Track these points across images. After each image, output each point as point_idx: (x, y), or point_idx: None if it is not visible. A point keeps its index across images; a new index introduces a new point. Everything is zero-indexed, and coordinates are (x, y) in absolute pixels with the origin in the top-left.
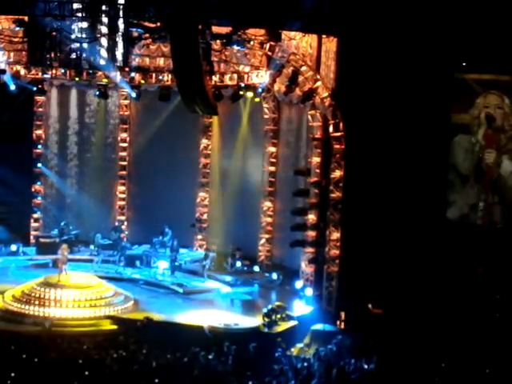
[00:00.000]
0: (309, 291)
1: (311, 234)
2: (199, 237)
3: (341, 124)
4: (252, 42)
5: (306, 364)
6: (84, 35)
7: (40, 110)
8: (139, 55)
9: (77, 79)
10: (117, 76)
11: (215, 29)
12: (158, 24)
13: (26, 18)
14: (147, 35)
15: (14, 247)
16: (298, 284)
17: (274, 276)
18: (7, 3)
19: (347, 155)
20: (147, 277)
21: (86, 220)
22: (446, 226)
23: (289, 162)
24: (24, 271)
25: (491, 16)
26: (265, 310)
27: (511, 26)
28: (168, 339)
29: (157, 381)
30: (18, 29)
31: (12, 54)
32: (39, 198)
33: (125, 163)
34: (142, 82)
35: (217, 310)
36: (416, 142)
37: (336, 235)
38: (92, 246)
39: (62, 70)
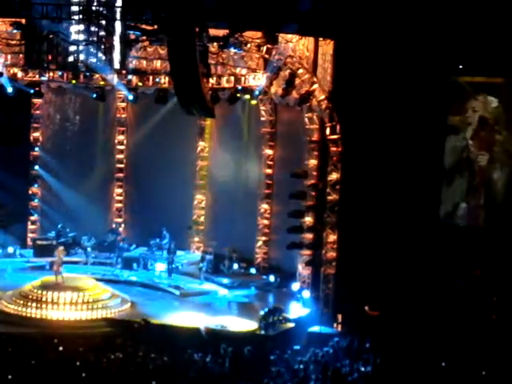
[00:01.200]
0: (306, 293)
1: (308, 236)
2: (196, 239)
3: (337, 126)
4: (249, 45)
5: (302, 366)
6: (81, 38)
7: (37, 112)
8: (136, 57)
9: (74, 82)
10: (114, 78)
11: (212, 31)
12: (155, 26)
13: (23, 21)
14: (144, 38)
15: (10, 249)
16: (295, 286)
17: (271, 278)
18: (4, 6)
19: (344, 158)
20: (144, 279)
21: (83, 222)
22: (443, 229)
23: (286, 165)
24: (21, 273)
25: (484, 20)
26: (262, 313)
27: (503, 30)
28: (165, 341)
29: (154, 383)
30: (15, 31)
31: (9, 57)
32: (36, 201)
33: (122, 165)
34: (139, 84)
35: (214, 312)
36: (412, 144)
37: (333, 237)
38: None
39: (59, 73)
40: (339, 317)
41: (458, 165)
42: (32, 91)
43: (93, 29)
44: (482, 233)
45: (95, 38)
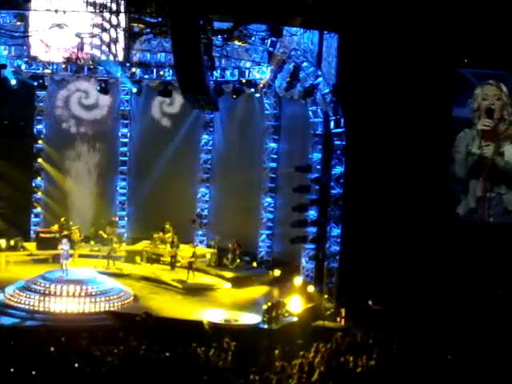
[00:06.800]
0: (309, 287)
1: (312, 230)
2: (200, 232)
3: (342, 120)
4: (253, 38)
5: (306, 360)
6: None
7: (41, 105)
8: (140, 50)
9: (78, 74)
10: (118, 71)
11: (216, 24)
12: (160, 19)
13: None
14: (148, 30)
15: (12, 242)
16: (298, 280)
17: (276, 272)
18: None
19: (348, 151)
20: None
21: (86, 215)
22: (447, 222)
23: (290, 158)
24: (24, 266)
25: (490, 12)
26: (265, 307)
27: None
28: (168, 335)
29: (156, 377)
30: (18, 23)
31: (13, 49)
32: (39, 193)
33: (125, 158)
34: (146, 77)
35: (217, 306)
36: (417, 137)
37: (336, 231)
38: None
39: (63, 65)
40: (342, 311)
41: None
42: (36, 83)
43: (97, 21)
44: (487, 227)
45: (99, 30)
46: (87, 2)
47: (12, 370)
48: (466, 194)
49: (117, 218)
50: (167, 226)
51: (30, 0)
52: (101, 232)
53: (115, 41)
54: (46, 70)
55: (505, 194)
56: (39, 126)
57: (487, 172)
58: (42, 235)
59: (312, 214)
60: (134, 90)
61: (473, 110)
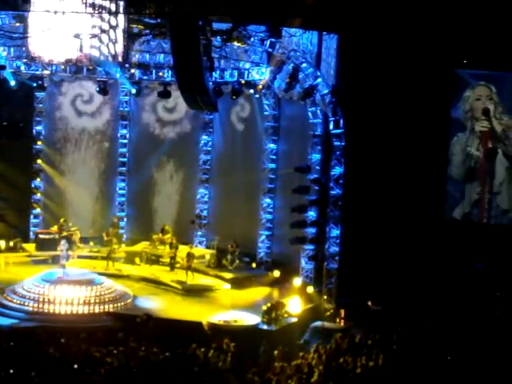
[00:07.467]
0: (309, 288)
1: (311, 230)
2: (199, 233)
3: (341, 121)
4: (252, 39)
5: (305, 361)
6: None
7: (40, 106)
8: (139, 51)
9: (77, 75)
10: (117, 72)
11: (216, 25)
12: (159, 20)
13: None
14: (147, 31)
15: (12, 243)
16: (298, 281)
17: (275, 273)
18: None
19: (347, 152)
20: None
21: (85, 216)
22: (446, 223)
23: (289, 159)
24: (23, 267)
25: (488, 13)
26: (265, 308)
27: (506, 25)
28: (167, 336)
29: (156, 378)
30: (17, 24)
31: (12, 50)
32: (38, 195)
33: (125, 159)
34: (145, 77)
35: (216, 306)
36: (416, 138)
37: (336, 232)
38: None
39: (62, 66)
40: (342, 312)
41: (468, 161)
42: (35, 84)
43: (96, 22)
44: (485, 228)
45: (99, 31)
46: (86, 3)
47: (11, 371)
48: (462, 197)
49: (116, 219)
50: (166, 227)
51: (29, 1)
52: (103, 234)
53: (114, 42)
54: (45, 71)
55: (501, 195)
56: (38, 127)
57: (485, 173)
58: (41, 236)
59: (311, 214)
60: (133, 90)
61: (465, 111)
